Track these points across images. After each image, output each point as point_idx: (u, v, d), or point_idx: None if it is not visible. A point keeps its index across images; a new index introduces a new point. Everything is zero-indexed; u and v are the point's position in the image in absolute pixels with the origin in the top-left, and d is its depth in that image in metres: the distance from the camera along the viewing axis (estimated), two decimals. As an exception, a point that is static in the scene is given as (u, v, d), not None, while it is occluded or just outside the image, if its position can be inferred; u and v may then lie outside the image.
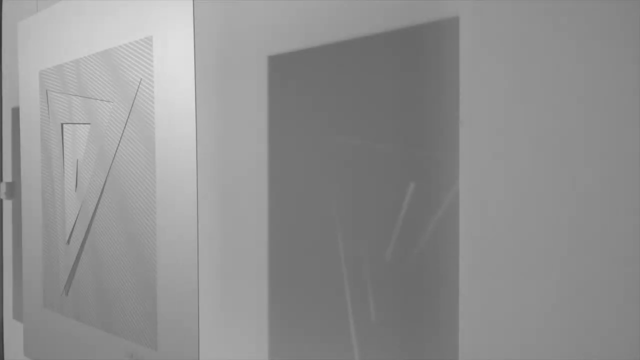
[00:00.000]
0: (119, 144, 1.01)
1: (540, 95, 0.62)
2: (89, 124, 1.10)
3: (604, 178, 0.60)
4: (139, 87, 0.96)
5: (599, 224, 0.60)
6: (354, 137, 0.75)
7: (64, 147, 1.18)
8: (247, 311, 0.91)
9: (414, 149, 0.70)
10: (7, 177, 1.65)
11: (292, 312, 0.84)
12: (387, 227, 0.72)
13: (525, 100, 0.63)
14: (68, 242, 1.17)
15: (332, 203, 0.79)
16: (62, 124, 1.18)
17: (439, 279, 0.68)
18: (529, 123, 0.63)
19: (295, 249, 0.84)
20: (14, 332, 1.62)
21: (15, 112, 1.57)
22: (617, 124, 0.59)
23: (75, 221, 1.14)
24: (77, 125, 1.14)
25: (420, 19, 0.69)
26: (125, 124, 0.99)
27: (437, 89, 0.68)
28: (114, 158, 1.02)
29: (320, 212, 0.79)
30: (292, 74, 0.84)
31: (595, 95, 0.60)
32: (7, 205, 1.65)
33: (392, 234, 0.71)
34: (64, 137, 1.18)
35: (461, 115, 0.66)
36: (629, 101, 0.58)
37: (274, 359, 0.87)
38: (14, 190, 1.60)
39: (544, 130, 0.62)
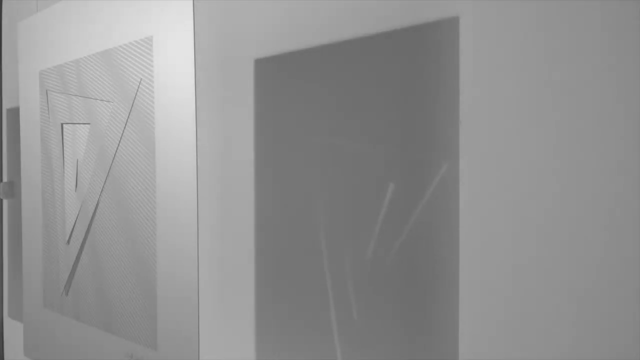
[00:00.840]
0: (119, 144, 1.01)
1: (541, 96, 0.62)
2: (89, 124, 1.10)
3: (605, 177, 0.60)
4: (139, 87, 0.96)
5: (599, 223, 0.60)
6: (354, 138, 0.75)
7: (64, 147, 1.18)
8: (248, 311, 0.91)
9: (407, 150, 0.70)
10: (5, 177, 1.65)
11: (290, 312, 0.84)
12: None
13: (526, 101, 0.63)
14: (68, 242, 1.17)
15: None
16: (62, 124, 1.18)
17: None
18: (529, 123, 0.63)
19: (294, 248, 0.84)
20: (14, 332, 1.62)
21: (15, 112, 1.57)
22: (618, 123, 0.59)
23: (75, 221, 1.14)
24: (77, 125, 1.14)
25: (420, 19, 0.69)
26: (125, 124, 0.99)
27: (436, 89, 0.68)
28: (114, 158, 1.02)
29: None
30: (291, 75, 0.84)
31: (595, 94, 0.60)
32: (3, 205, 1.65)
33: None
34: (64, 137, 1.18)
35: (461, 116, 0.66)
36: (630, 101, 0.58)
37: (270, 359, 0.87)
38: (13, 190, 1.60)
39: (545, 130, 0.62)
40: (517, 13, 0.63)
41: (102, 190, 1.06)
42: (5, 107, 1.64)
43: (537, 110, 0.62)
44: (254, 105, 0.88)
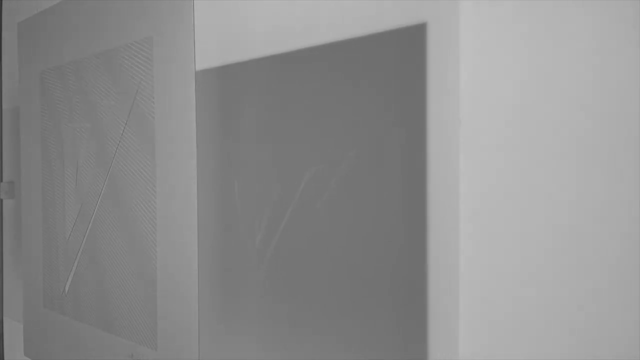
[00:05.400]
0: (119, 144, 1.01)
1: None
2: (89, 124, 1.10)
3: (605, 177, 0.60)
4: (138, 87, 0.96)
5: (600, 224, 0.60)
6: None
7: (64, 147, 1.18)
8: (248, 311, 0.91)
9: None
10: (5, 177, 1.65)
11: (291, 312, 0.84)
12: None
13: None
14: (68, 242, 1.17)
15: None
16: (62, 124, 1.19)
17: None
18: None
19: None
20: (14, 332, 1.62)
21: (15, 112, 1.57)
22: (618, 123, 0.59)
23: (75, 221, 1.14)
24: (77, 125, 1.14)
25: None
26: (125, 124, 0.99)
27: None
28: (114, 158, 1.02)
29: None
30: (295, 76, 0.85)
31: (592, 95, 0.60)
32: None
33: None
34: (64, 137, 1.18)
35: (461, 116, 0.66)
36: (629, 101, 0.58)
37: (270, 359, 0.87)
38: (13, 190, 1.60)
39: (544, 131, 0.62)
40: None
41: (102, 190, 1.06)
42: (5, 107, 1.64)
43: (528, 113, 0.62)
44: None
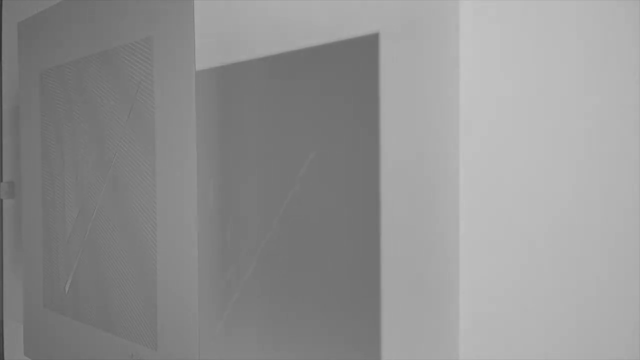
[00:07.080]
0: (119, 144, 1.01)
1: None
2: (89, 124, 1.10)
3: (605, 177, 0.60)
4: (139, 87, 0.96)
5: (600, 223, 0.60)
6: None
7: (64, 147, 1.18)
8: (248, 311, 0.91)
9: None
10: (6, 177, 1.65)
11: (291, 312, 0.84)
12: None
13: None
14: (68, 242, 1.17)
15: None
16: (62, 124, 1.19)
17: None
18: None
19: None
20: (14, 332, 1.62)
21: (15, 112, 1.57)
22: (618, 123, 0.59)
23: (75, 221, 1.14)
24: (77, 125, 1.14)
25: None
26: (125, 124, 0.99)
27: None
28: (114, 158, 1.03)
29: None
30: (291, 76, 0.85)
31: (591, 94, 0.60)
32: None
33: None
34: (64, 137, 1.18)
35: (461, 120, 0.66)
36: (629, 100, 0.58)
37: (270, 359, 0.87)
38: (13, 190, 1.60)
39: (542, 131, 0.62)
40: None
41: (102, 190, 1.06)
42: (5, 107, 1.64)
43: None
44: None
